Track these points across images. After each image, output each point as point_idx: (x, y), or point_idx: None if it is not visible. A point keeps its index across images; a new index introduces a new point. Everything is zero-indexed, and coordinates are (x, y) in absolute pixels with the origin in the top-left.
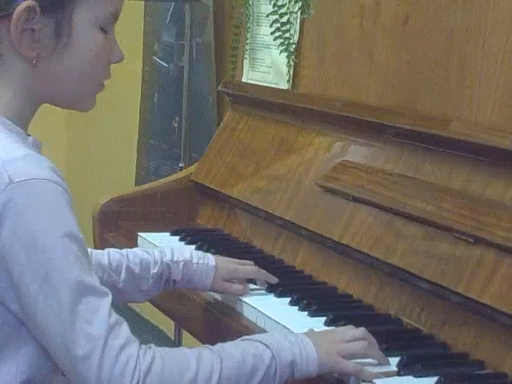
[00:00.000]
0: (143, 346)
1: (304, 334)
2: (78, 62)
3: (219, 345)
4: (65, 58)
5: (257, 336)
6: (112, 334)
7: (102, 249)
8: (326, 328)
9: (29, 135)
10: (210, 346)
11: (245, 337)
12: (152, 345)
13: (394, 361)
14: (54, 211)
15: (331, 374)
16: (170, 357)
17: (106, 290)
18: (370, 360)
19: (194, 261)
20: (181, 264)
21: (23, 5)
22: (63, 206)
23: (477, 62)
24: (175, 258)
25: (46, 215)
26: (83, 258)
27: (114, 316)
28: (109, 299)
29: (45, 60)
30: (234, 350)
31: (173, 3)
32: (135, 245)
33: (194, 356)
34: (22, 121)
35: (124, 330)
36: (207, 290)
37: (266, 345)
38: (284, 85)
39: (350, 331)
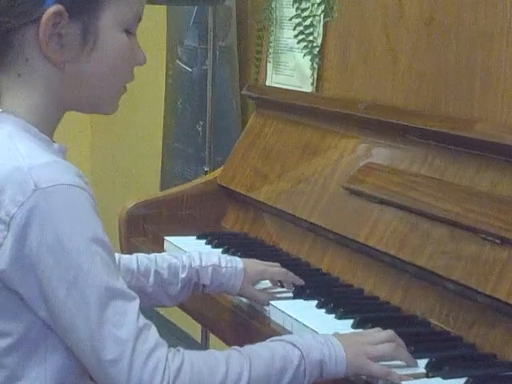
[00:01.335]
0: (172, 349)
1: (332, 335)
2: (105, 64)
3: (248, 346)
4: (91, 61)
5: (285, 337)
6: (141, 338)
7: (129, 253)
8: (354, 330)
9: (54, 142)
10: (239, 348)
11: (273, 338)
12: (181, 348)
13: (422, 363)
14: (80, 216)
15: (359, 376)
16: (199, 359)
17: (134, 293)
18: (398, 362)
19: (223, 265)
20: (209, 269)
21: (51, 9)
22: (89, 211)
23: (502, 61)
24: (203, 263)
25: (72, 220)
26: (110, 262)
27: (143, 319)
28: (137, 303)
29: (72, 63)
30: (262, 351)
31: (196, 7)
32: (161, 249)
33: (223, 358)
34: (47, 127)
35: (153, 333)
36: (237, 293)
37: (294, 345)
38: (308, 88)
39: (378, 333)
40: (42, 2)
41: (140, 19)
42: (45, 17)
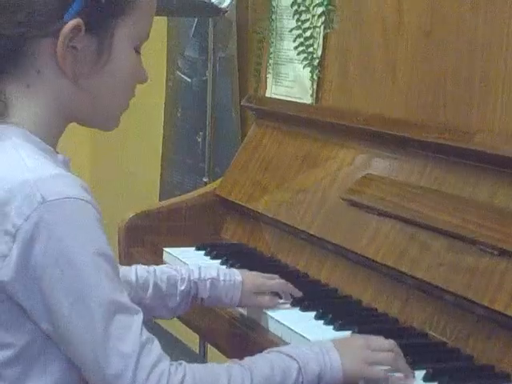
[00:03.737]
0: (174, 362)
1: (330, 340)
2: (115, 80)
3: (248, 359)
4: (103, 77)
5: (283, 348)
6: (144, 352)
7: (128, 264)
8: None
9: (58, 153)
10: (239, 361)
11: (272, 349)
12: (183, 361)
13: (419, 374)
14: (85, 230)
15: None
16: (201, 373)
17: (137, 307)
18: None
19: (221, 278)
20: (208, 282)
21: (71, 23)
22: (95, 224)
23: (500, 72)
24: (202, 276)
25: (78, 234)
26: (114, 276)
27: (146, 333)
28: (140, 317)
29: (84, 78)
30: (262, 364)
31: (196, 18)
32: (161, 260)
33: (225, 371)
34: (51, 138)
35: (155, 347)
36: (235, 306)
37: (292, 357)
38: (307, 99)
39: (378, 340)
40: (60, 16)
41: (147, 38)
42: (65, 30)
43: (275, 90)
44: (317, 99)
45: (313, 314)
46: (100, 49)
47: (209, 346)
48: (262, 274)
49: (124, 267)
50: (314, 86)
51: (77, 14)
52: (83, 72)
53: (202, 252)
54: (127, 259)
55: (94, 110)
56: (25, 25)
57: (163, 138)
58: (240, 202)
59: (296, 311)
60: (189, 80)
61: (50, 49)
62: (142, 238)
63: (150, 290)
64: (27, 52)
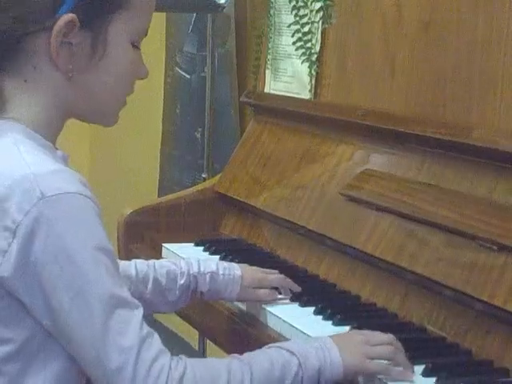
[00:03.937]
0: (174, 357)
1: (330, 336)
2: (111, 76)
3: (248, 354)
4: (98, 72)
5: (283, 344)
6: (144, 346)
7: (127, 260)
8: None
9: (57, 149)
10: (239, 356)
11: (272, 344)
12: (183, 356)
13: (418, 369)
14: (85, 225)
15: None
16: (201, 367)
17: (137, 301)
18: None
19: (221, 272)
20: (207, 276)
21: (65, 18)
22: (94, 219)
23: (499, 68)
24: (202, 270)
25: (77, 229)
26: (114, 271)
27: (146, 328)
28: (140, 311)
29: (79, 73)
30: (262, 360)
31: (195, 14)
32: (160, 256)
33: (225, 366)
34: (50, 134)
35: (156, 341)
36: (235, 300)
37: (292, 353)
38: (306, 94)
39: (377, 335)
40: (54, 11)
41: (146, 34)
42: (58, 25)
43: (274, 85)
44: (315, 94)
45: (312, 309)
46: (95, 44)
47: (208, 341)
48: (262, 269)
49: (123, 262)
50: (313, 82)
51: (71, 9)
52: (78, 67)
53: (201, 248)
54: (126, 255)
55: (89, 105)
56: (20, 21)
57: (162, 134)
58: (239, 198)
59: (295, 306)
60: (187, 76)
61: (46, 44)
62: (141, 234)
63: (150, 285)
64: (23, 48)
